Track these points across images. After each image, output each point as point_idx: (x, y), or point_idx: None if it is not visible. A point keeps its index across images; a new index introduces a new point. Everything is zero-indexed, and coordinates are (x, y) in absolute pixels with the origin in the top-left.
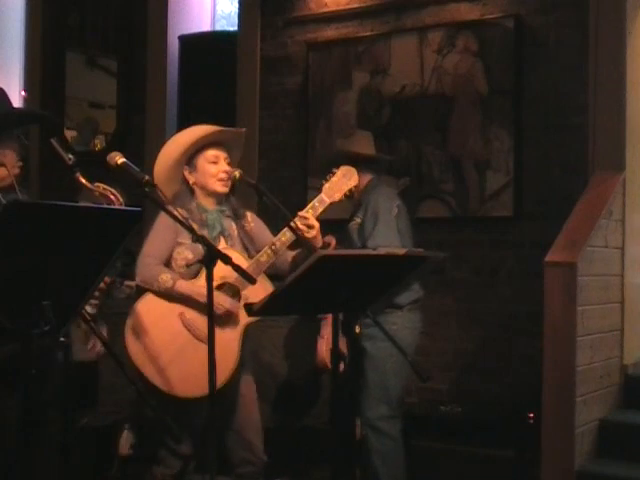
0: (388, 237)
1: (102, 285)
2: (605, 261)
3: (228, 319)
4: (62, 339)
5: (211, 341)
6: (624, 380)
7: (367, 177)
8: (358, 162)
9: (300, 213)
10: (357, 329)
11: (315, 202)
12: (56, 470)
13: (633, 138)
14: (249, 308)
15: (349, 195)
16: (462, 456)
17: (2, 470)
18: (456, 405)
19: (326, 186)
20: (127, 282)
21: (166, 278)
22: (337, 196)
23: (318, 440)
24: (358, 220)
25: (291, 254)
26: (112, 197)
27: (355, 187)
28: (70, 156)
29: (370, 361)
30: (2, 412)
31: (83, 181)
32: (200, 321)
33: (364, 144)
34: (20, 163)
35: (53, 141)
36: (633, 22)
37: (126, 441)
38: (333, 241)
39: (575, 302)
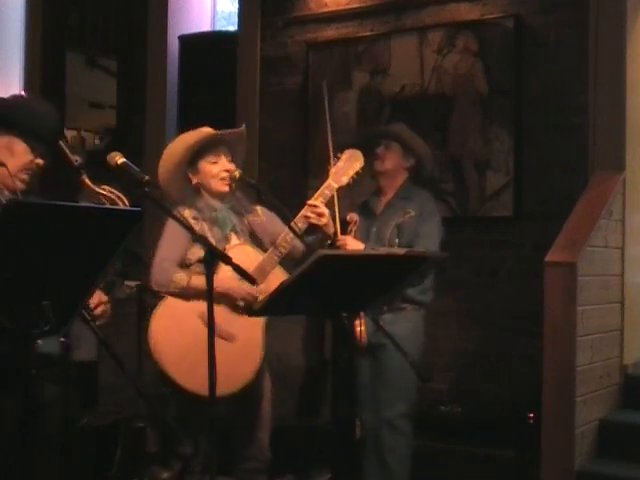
0: (437, 243)
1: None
2: (605, 261)
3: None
4: (62, 339)
5: (211, 341)
6: (624, 380)
7: (405, 172)
8: (413, 153)
9: (309, 202)
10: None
11: (324, 188)
12: (56, 470)
13: (633, 138)
14: (249, 308)
15: (355, 178)
16: (462, 456)
17: (2, 470)
18: (456, 405)
19: (332, 171)
20: (127, 282)
21: (180, 277)
22: (344, 180)
23: (318, 440)
24: (412, 214)
25: (306, 241)
26: (118, 201)
27: (382, 171)
28: (77, 158)
29: (393, 359)
30: (1, 412)
31: (89, 184)
32: (221, 319)
33: None
34: (39, 161)
35: (61, 143)
36: (633, 22)
37: (151, 439)
38: (355, 217)
39: (575, 302)
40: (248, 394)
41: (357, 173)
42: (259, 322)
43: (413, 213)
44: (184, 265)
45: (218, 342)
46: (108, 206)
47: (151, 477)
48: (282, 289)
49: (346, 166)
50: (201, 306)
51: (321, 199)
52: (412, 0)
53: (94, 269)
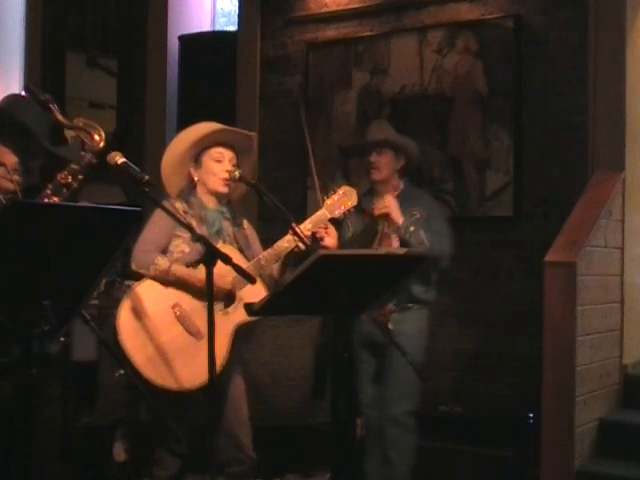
0: (450, 241)
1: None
2: (605, 261)
3: (224, 317)
4: (62, 339)
5: (211, 341)
6: (624, 380)
7: (398, 172)
8: (403, 152)
9: (298, 228)
10: (390, 325)
11: (315, 217)
12: (56, 470)
13: (633, 138)
14: (249, 308)
15: (347, 213)
16: (462, 456)
17: (2, 470)
18: (456, 405)
19: (328, 202)
20: (127, 282)
21: (162, 261)
22: (337, 213)
23: (318, 440)
24: (418, 215)
25: (275, 267)
26: (93, 132)
27: (380, 180)
28: (46, 96)
29: (400, 357)
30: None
31: (61, 119)
32: (193, 314)
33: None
34: (20, 167)
35: (30, 85)
36: (633, 22)
37: (120, 448)
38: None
39: (575, 302)
40: (221, 399)
41: (349, 210)
42: (230, 326)
43: (419, 215)
44: (166, 256)
45: (185, 336)
46: (108, 206)
47: (151, 477)
48: (282, 289)
49: (340, 201)
50: (176, 296)
51: (310, 226)
52: (412, 0)
53: (94, 269)
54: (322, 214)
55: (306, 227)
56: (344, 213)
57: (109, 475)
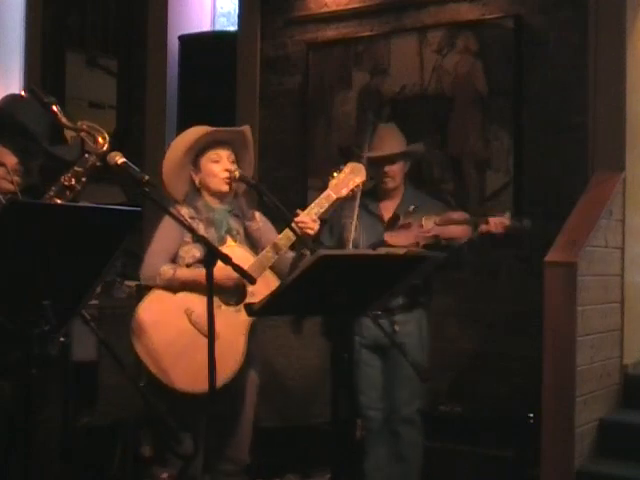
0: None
1: None
2: (605, 261)
3: (235, 314)
4: (62, 339)
5: (211, 340)
6: (624, 380)
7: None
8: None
9: (297, 219)
10: (396, 327)
11: (321, 198)
12: (56, 470)
13: (633, 138)
14: (249, 308)
15: (355, 191)
16: (462, 456)
17: (1, 470)
18: (456, 405)
19: (333, 182)
20: (127, 282)
21: (167, 269)
22: (344, 192)
23: (318, 440)
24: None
25: (291, 255)
26: (97, 135)
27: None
28: (51, 99)
29: (408, 357)
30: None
31: (65, 122)
32: (206, 316)
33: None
34: (20, 167)
35: (33, 87)
36: (633, 22)
37: (147, 442)
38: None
39: (575, 302)
40: (231, 395)
41: (357, 186)
42: (244, 322)
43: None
44: (177, 262)
45: (203, 340)
46: (108, 206)
47: (151, 477)
48: (282, 289)
49: (347, 179)
50: (188, 301)
51: (317, 209)
52: (412, 0)
53: (94, 269)
54: (327, 195)
55: (312, 212)
56: (352, 190)
57: (109, 475)
